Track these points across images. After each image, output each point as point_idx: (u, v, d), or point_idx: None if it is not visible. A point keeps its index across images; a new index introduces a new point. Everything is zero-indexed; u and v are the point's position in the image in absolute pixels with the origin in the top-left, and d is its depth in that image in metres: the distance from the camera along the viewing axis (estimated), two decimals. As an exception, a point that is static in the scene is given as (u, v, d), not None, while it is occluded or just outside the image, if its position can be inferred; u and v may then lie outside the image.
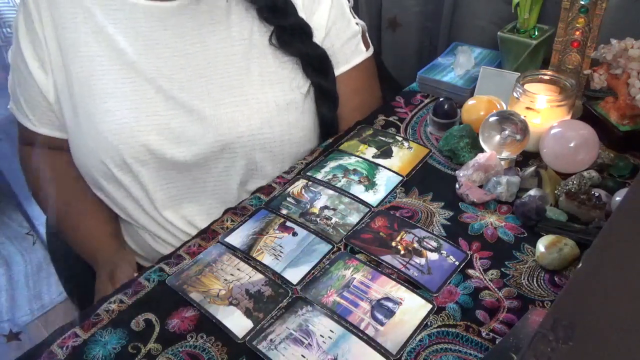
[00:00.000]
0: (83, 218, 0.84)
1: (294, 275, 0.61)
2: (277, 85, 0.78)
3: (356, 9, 1.22)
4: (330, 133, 0.86)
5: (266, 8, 0.77)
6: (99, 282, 0.80)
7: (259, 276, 0.61)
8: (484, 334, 0.54)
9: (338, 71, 0.85)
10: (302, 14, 0.79)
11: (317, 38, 0.81)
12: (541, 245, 0.61)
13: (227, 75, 0.76)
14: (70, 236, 0.85)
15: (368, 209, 0.69)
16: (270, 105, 0.77)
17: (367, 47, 0.88)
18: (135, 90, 0.74)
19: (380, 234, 0.65)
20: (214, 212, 0.81)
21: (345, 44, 0.84)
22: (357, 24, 0.86)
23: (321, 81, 0.81)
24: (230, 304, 0.58)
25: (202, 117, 0.75)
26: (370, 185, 0.73)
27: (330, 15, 0.81)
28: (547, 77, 0.79)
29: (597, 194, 0.66)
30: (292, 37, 0.78)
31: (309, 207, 0.70)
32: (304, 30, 0.79)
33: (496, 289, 0.58)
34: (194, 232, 0.81)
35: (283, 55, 0.79)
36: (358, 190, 0.72)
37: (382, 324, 0.55)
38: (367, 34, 0.89)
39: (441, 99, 0.83)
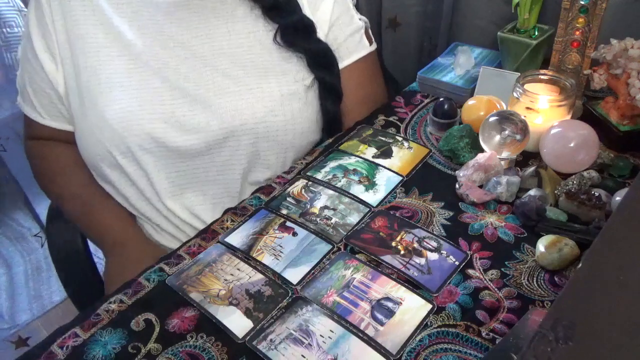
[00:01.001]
0: (94, 205, 0.84)
1: (294, 275, 0.61)
2: (281, 77, 0.79)
3: (356, 9, 1.22)
4: (334, 127, 0.87)
5: (270, 7, 0.79)
6: (109, 267, 0.81)
7: (259, 276, 0.61)
8: (484, 334, 0.54)
9: (342, 65, 0.86)
10: (306, 10, 0.81)
11: (321, 32, 0.83)
12: (541, 245, 0.61)
13: (232, 65, 0.78)
14: (82, 224, 0.85)
15: (368, 209, 0.69)
16: (274, 94, 0.78)
17: (370, 43, 0.90)
18: (141, 80, 0.76)
19: (380, 234, 0.65)
20: (217, 202, 0.82)
21: (349, 38, 0.85)
22: (360, 19, 0.88)
23: (325, 76, 0.83)
24: (230, 304, 0.58)
25: (206, 106, 0.76)
26: (370, 185, 0.73)
27: (334, 10, 0.83)
28: (547, 77, 0.79)
29: (597, 194, 0.66)
30: (296, 34, 0.80)
31: (309, 207, 0.70)
32: (307, 28, 0.80)
33: (496, 289, 0.58)
34: (196, 223, 0.82)
35: (287, 51, 0.80)
36: (358, 190, 0.72)
37: (382, 324, 0.55)
38: (370, 30, 0.91)
39: (441, 99, 0.83)
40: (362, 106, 0.90)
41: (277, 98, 0.78)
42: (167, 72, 0.76)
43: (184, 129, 0.76)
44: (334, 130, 0.87)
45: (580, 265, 0.47)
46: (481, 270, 0.61)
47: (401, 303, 0.57)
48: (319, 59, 0.82)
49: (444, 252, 0.62)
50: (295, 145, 0.82)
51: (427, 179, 0.74)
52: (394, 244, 0.64)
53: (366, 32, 0.89)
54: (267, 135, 0.79)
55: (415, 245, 0.63)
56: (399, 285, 0.59)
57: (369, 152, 0.79)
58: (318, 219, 0.68)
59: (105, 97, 0.75)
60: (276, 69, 0.79)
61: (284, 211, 0.70)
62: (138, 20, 0.77)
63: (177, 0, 0.77)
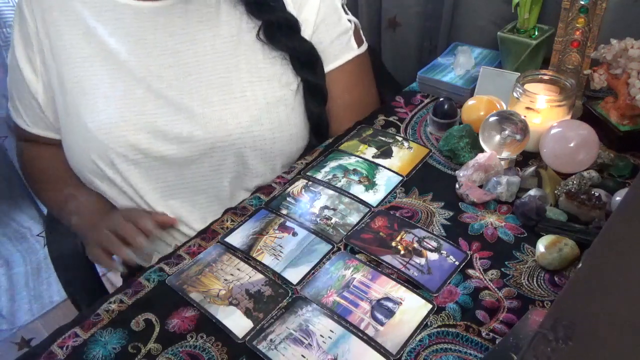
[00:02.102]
0: (81, 200, 0.84)
1: (294, 275, 0.61)
2: (266, 82, 0.78)
3: (356, 9, 1.22)
4: (321, 130, 0.86)
5: (253, 3, 0.78)
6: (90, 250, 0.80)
7: (259, 276, 0.61)
8: (484, 334, 0.54)
9: (328, 68, 0.84)
10: (291, 9, 0.80)
11: (306, 33, 0.81)
12: (541, 245, 0.61)
13: (216, 72, 0.77)
14: (69, 219, 0.85)
15: (368, 209, 0.69)
16: (259, 102, 0.77)
17: (360, 44, 0.87)
18: (125, 90, 0.75)
19: (380, 234, 0.65)
20: (207, 211, 0.82)
21: (335, 40, 0.83)
22: (349, 20, 0.85)
23: (309, 76, 0.81)
24: (230, 304, 0.58)
25: (190, 115, 0.75)
26: (370, 185, 0.73)
27: (319, 11, 0.81)
28: (547, 77, 0.79)
29: (597, 194, 0.66)
30: (280, 31, 0.78)
31: (309, 207, 0.70)
32: (291, 25, 0.79)
33: (496, 289, 0.58)
34: (187, 231, 0.81)
35: (272, 51, 0.79)
36: (358, 190, 0.72)
37: (382, 324, 0.55)
38: (360, 31, 0.89)
39: (441, 99, 0.83)
40: (350, 111, 0.88)
41: (262, 106, 0.77)
42: (151, 81, 0.76)
43: (167, 139, 0.75)
44: (321, 134, 0.86)
45: (580, 265, 0.47)
46: (481, 270, 0.61)
47: (401, 303, 0.57)
48: (303, 58, 0.80)
49: (444, 252, 0.62)
50: (284, 152, 0.81)
51: (427, 179, 0.74)
52: (394, 244, 0.64)
53: (356, 33, 0.86)
54: (253, 144, 0.78)
55: (415, 245, 0.63)
56: (399, 285, 0.59)
57: (369, 152, 0.79)
58: (318, 219, 0.68)
59: (88, 108, 0.75)
60: (261, 73, 0.78)
61: (284, 211, 0.70)
62: (122, 28, 0.76)
63: (160, 5, 0.76)
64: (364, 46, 0.88)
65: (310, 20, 0.81)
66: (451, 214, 0.68)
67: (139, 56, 0.76)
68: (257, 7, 0.78)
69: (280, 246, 0.65)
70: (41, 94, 0.79)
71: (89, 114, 0.75)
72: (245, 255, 0.64)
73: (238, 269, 0.62)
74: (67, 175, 0.84)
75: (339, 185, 0.73)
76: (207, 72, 0.77)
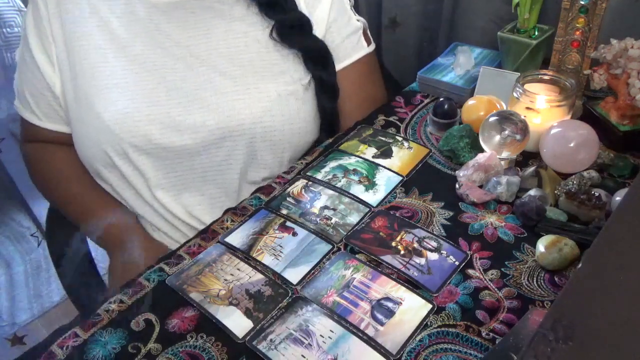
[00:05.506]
0: (94, 207, 0.84)
1: (294, 275, 0.61)
2: (278, 77, 0.80)
3: (356, 9, 1.22)
4: (332, 125, 0.87)
5: (267, 3, 0.79)
6: (113, 267, 0.82)
7: (259, 276, 0.61)
8: (484, 334, 0.54)
9: (339, 66, 0.86)
10: (303, 8, 0.81)
11: (318, 33, 0.83)
12: (541, 245, 0.61)
13: (229, 65, 0.78)
14: (83, 226, 0.85)
15: (368, 209, 0.69)
16: (271, 94, 0.78)
17: (369, 44, 0.90)
18: (138, 81, 0.76)
19: (380, 234, 0.65)
20: (215, 203, 0.82)
21: (346, 39, 0.86)
22: (358, 20, 0.88)
23: (321, 74, 0.83)
24: (230, 304, 0.58)
25: (203, 106, 0.76)
26: (370, 185, 0.73)
27: (331, 11, 0.83)
28: (547, 77, 0.79)
29: (597, 194, 0.66)
30: (293, 31, 0.80)
31: (309, 207, 0.70)
32: (304, 24, 0.81)
33: (496, 289, 0.58)
34: (194, 223, 0.82)
35: (284, 49, 0.80)
36: (358, 190, 0.72)
37: (382, 324, 0.55)
38: (368, 31, 0.91)
39: (441, 99, 0.83)
40: (361, 107, 0.89)
41: (274, 98, 0.78)
42: (164, 72, 0.76)
43: (179, 129, 0.76)
44: (332, 130, 0.87)
45: (580, 265, 0.47)
46: (481, 270, 0.61)
47: (401, 303, 0.57)
48: (315, 56, 0.82)
49: (444, 252, 0.62)
50: (292, 145, 0.82)
51: (427, 179, 0.74)
52: (394, 244, 0.64)
53: (364, 33, 0.89)
54: (264, 135, 0.79)
55: (415, 245, 0.63)
56: (399, 285, 0.59)
57: (369, 152, 0.79)
58: (318, 219, 0.68)
59: (102, 99, 0.75)
60: (273, 68, 0.79)
61: (284, 211, 0.70)
62: (135, 20, 0.77)
63: (174, 0, 0.77)
64: (372, 45, 0.91)
65: (323, 20, 0.83)
66: (451, 214, 0.68)
67: (153, 48, 0.77)
68: (270, 8, 0.79)
69: (280, 246, 0.65)
70: (58, 86, 0.79)
71: (102, 104, 0.75)
72: (245, 255, 0.64)
73: (238, 269, 0.62)
74: (78, 176, 0.84)
75: (339, 185, 0.73)
76: (220, 65, 0.78)
